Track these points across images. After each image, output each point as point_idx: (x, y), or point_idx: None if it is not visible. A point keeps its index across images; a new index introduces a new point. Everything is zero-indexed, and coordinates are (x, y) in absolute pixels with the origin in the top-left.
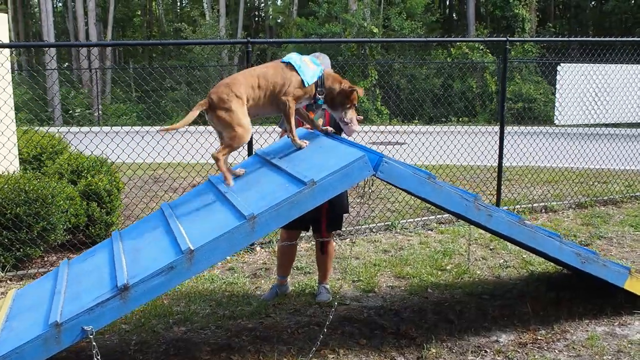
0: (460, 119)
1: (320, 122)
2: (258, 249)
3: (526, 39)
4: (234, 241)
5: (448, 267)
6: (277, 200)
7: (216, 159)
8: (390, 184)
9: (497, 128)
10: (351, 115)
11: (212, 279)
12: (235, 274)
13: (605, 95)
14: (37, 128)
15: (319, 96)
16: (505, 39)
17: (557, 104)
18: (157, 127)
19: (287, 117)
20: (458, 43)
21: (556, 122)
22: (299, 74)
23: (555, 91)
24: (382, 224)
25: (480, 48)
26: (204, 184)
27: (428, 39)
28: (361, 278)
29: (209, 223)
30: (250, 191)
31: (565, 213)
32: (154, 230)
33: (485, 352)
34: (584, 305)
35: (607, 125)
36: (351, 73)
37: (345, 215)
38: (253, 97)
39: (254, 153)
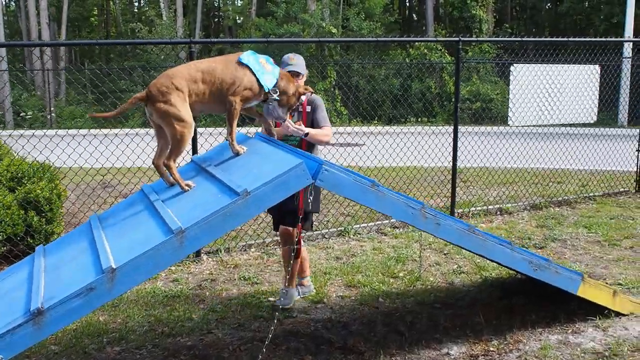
0: (420, 119)
1: (300, 123)
2: (205, 257)
3: (479, 39)
4: (160, 258)
5: (401, 274)
6: (208, 212)
7: (168, 167)
8: (332, 192)
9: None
10: (287, 115)
11: (154, 291)
12: (180, 286)
13: (558, 96)
14: None
15: (273, 95)
16: (458, 39)
17: (510, 105)
18: (106, 130)
19: (230, 118)
20: (416, 44)
21: (510, 123)
22: (254, 74)
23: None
24: (335, 229)
25: (439, 49)
26: (136, 193)
27: (380, 38)
28: None
29: (136, 238)
30: (182, 202)
31: (520, 215)
32: (79, 245)
33: None
34: (537, 312)
35: (561, 125)
36: (310, 74)
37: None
38: (196, 92)
39: (190, 160)
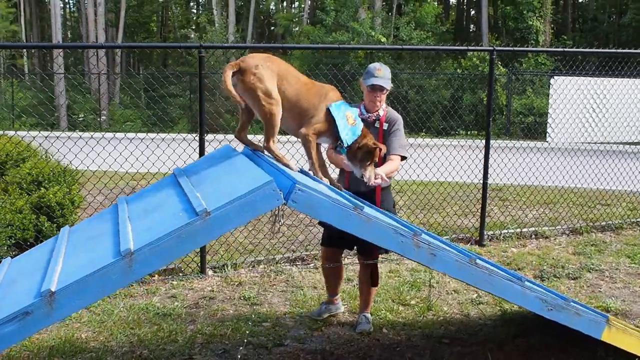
0: (470, 132)
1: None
2: (210, 273)
3: (514, 49)
4: (107, 282)
5: (412, 302)
6: (163, 232)
7: (269, 150)
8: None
9: (504, 142)
10: (370, 172)
11: (147, 308)
12: (176, 303)
13: (604, 111)
14: (10, 133)
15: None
16: (492, 48)
17: (549, 120)
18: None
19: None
20: (468, 55)
21: (549, 140)
22: (336, 125)
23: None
24: None
25: None
26: (112, 206)
27: (407, 46)
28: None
29: (89, 257)
30: (145, 220)
31: (558, 240)
32: (37, 261)
33: None
34: (558, 355)
35: (611, 143)
36: (358, 83)
37: None
38: (281, 90)
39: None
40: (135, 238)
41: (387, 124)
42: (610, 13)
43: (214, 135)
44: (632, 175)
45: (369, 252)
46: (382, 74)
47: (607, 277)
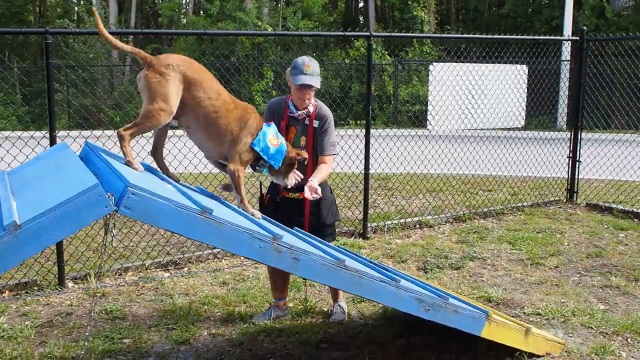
0: (359, 122)
1: (302, 142)
2: (70, 285)
3: (392, 34)
4: None
5: (291, 305)
6: None
7: (121, 137)
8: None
9: (386, 131)
10: (291, 178)
11: None
12: (26, 322)
13: (482, 97)
14: None
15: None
16: (369, 34)
17: (429, 107)
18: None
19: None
20: (356, 44)
21: (429, 127)
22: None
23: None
24: None
25: (378, 50)
26: None
27: (281, 32)
28: (178, 324)
29: None
30: None
31: (442, 228)
32: None
33: None
34: (439, 355)
35: (494, 129)
36: (246, 74)
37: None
38: (193, 96)
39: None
40: None
41: (317, 121)
42: (490, 4)
43: (92, 131)
44: (512, 161)
45: (322, 238)
46: (311, 70)
47: (489, 264)
